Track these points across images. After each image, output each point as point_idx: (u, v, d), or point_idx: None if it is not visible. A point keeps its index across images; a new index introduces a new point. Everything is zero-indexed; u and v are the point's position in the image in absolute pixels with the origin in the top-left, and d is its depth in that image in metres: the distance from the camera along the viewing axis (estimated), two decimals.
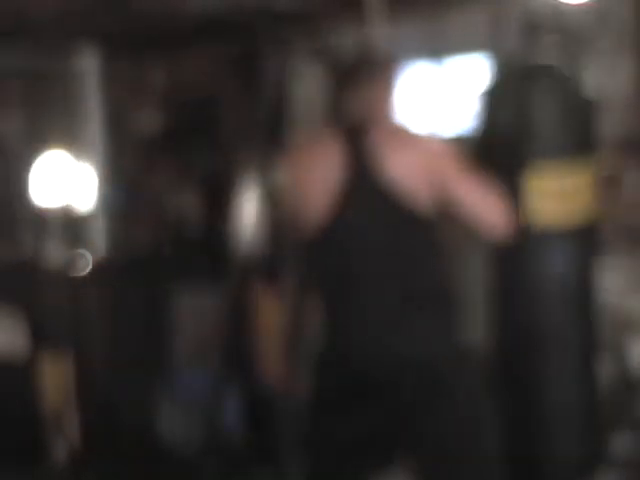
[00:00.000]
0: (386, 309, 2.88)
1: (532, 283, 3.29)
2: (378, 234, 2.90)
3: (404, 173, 2.87)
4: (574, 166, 3.25)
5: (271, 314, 3.22)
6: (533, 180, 3.22)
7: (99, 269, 5.11)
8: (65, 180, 5.38)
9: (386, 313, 2.89)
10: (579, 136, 3.28)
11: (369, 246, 2.91)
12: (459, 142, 5.12)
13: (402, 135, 2.99)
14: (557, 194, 3.21)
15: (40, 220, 5.38)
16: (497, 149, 3.32)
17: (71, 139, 5.54)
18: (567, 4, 4.13)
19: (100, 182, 5.70)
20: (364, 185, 2.90)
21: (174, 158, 6.08)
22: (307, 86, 5.32)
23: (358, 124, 2.98)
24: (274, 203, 3.46)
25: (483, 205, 2.97)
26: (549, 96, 3.27)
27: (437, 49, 5.08)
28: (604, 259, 3.63)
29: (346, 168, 2.92)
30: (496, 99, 3.39)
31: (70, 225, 5.45)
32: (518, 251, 3.24)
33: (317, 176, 2.96)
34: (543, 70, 3.36)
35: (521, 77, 3.34)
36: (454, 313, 2.96)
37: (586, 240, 3.33)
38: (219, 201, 5.44)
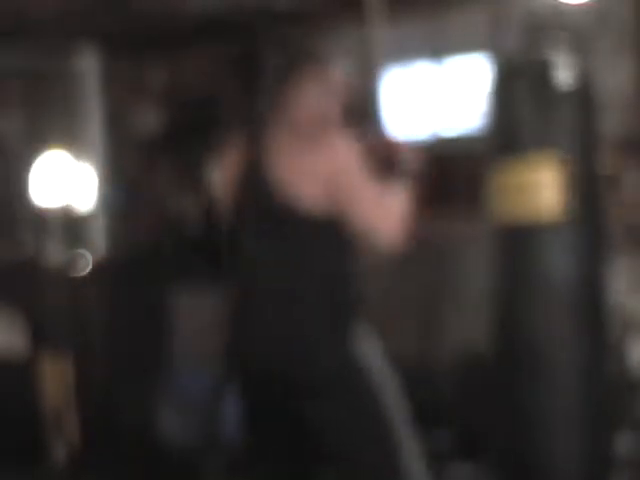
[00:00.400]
0: (274, 310, 2.89)
1: (527, 281, 3.27)
2: (265, 236, 2.90)
3: (296, 177, 2.84)
4: (549, 160, 3.24)
5: None
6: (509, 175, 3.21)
7: (99, 269, 5.11)
8: (65, 180, 5.38)
9: (275, 314, 2.90)
10: (563, 131, 3.26)
11: (259, 246, 2.91)
12: (458, 141, 5.13)
13: (305, 138, 2.91)
14: (527, 188, 3.20)
15: (40, 220, 5.38)
16: (501, 147, 3.30)
17: (71, 139, 5.54)
18: (567, 4, 4.13)
19: (100, 182, 5.70)
20: (254, 186, 2.90)
21: (174, 158, 6.08)
22: None
23: (265, 126, 2.97)
24: None
25: (375, 216, 2.86)
26: (528, 91, 3.27)
27: (437, 49, 5.08)
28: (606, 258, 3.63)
29: (243, 168, 2.94)
30: (496, 99, 3.39)
31: (70, 225, 5.45)
32: (516, 248, 3.23)
33: (224, 178, 3.00)
34: (526, 66, 3.35)
35: (510, 74, 3.34)
36: (350, 319, 2.91)
37: (583, 236, 3.31)
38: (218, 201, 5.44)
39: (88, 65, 5.67)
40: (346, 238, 2.88)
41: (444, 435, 4.68)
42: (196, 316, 5.13)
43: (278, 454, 2.97)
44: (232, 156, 3.01)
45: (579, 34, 3.81)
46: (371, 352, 2.91)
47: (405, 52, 5.12)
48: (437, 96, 5.19)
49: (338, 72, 3.07)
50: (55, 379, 4.71)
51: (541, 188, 3.22)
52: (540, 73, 3.30)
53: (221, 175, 3.07)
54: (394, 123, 4.99)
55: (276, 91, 3.01)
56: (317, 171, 2.83)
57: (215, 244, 5.36)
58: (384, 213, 2.86)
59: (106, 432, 4.75)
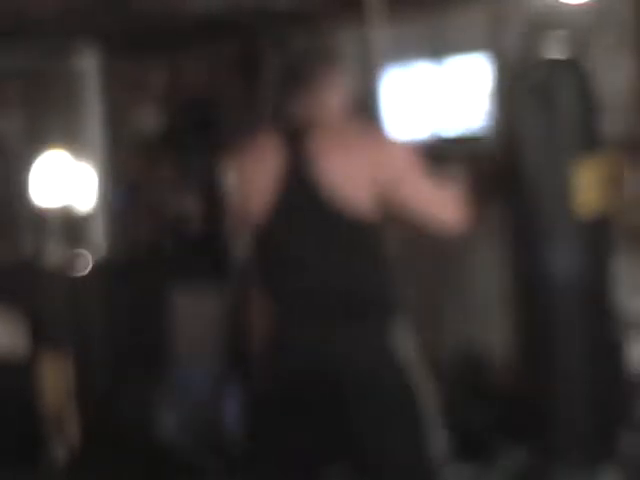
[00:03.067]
0: (320, 312, 2.89)
1: (547, 279, 3.26)
2: (311, 238, 2.89)
3: (343, 177, 2.83)
4: (584, 161, 3.23)
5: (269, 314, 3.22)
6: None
7: (99, 269, 5.11)
8: (65, 180, 5.38)
9: (320, 316, 2.89)
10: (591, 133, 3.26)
11: (303, 250, 2.90)
12: (458, 142, 5.13)
13: (348, 138, 2.92)
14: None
15: (40, 220, 5.37)
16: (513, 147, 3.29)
17: (71, 139, 5.54)
18: (567, 4, 4.13)
19: (100, 182, 5.70)
20: (299, 189, 2.88)
21: (174, 158, 6.07)
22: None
23: (300, 126, 2.95)
24: None
25: (434, 204, 2.93)
26: (571, 92, 3.26)
27: (437, 49, 5.07)
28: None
29: (283, 171, 2.90)
30: (505, 98, 3.38)
31: (70, 225, 5.45)
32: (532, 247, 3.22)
33: (256, 179, 2.95)
34: (531, 67, 3.35)
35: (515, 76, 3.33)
36: (389, 318, 2.92)
37: (599, 236, 3.31)
38: (219, 201, 5.44)
39: (88, 65, 5.65)
40: (386, 239, 2.91)
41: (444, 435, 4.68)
42: (196, 316, 5.13)
43: (287, 455, 2.96)
44: (263, 156, 2.97)
45: (579, 34, 3.81)
46: (407, 347, 2.92)
47: (405, 52, 5.12)
48: (437, 96, 5.19)
49: (346, 69, 3.10)
50: (55, 379, 4.71)
51: (614, 183, 3.20)
52: (544, 74, 3.29)
53: (246, 176, 3.03)
54: (394, 123, 4.99)
55: (297, 92, 3.02)
56: (361, 173, 2.84)
57: (215, 244, 5.37)
58: (445, 200, 2.94)
59: (106, 432, 4.75)
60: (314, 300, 2.89)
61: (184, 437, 4.87)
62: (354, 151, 2.87)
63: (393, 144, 2.95)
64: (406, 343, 2.94)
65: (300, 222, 2.90)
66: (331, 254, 2.88)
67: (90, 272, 5.04)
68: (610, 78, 4.23)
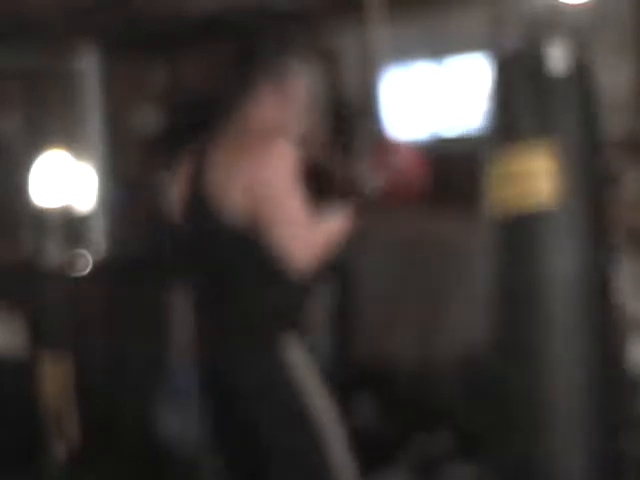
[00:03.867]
0: (215, 327, 2.93)
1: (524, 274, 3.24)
2: (207, 251, 2.92)
3: (224, 188, 2.81)
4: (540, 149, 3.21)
5: None
6: (502, 165, 3.18)
7: (99, 269, 5.11)
8: (65, 180, 5.38)
9: (216, 331, 2.94)
10: (549, 119, 3.23)
11: (203, 263, 2.94)
12: (458, 142, 5.13)
13: (240, 152, 2.85)
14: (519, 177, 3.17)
15: (40, 220, 5.38)
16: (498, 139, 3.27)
17: (71, 139, 5.54)
18: (567, 4, 4.13)
19: (100, 182, 5.70)
20: (195, 202, 2.93)
21: (174, 158, 6.07)
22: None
23: (213, 138, 3.00)
24: None
25: (289, 238, 2.76)
26: (520, 79, 3.25)
27: (437, 49, 5.08)
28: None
29: (187, 184, 2.98)
30: (494, 91, 3.37)
31: (70, 225, 5.45)
32: (511, 240, 3.20)
33: (178, 192, 3.07)
34: (523, 57, 3.33)
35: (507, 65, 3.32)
36: (282, 333, 2.86)
37: (582, 227, 3.28)
38: None
39: (88, 65, 5.67)
40: (269, 252, 2.81)
41: (444, 435, 4.69)
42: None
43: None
44: (183, 170, 3.06)
45: (579, 34, 3.81)
46: (301, 360, 2.88)
47: (405, 52, 5.12)
48: (437, 96, 5.19)
49: (300, 83, 3.05)
50: (55, 379, 4.71)
51: (538, 177, 3.19)
52: (538, 63, 3.28)
53: (175, 189, 3.09)
54: (394, 123, 4.99)
55: (234, 102, 3.03)
56: (240, 180, 2.79)
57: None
58: (300, 238, 2.77)
59: (106, 432, 4.75)
60: (211, 314, 2.92)
61: (184, 437, 4.87)
62: (236, 165, 2.82)
63: (274, 160, 2.78)
64: (300, 357, 2.89)
65: (198, 234, 2.95)
66: (221, 268, 2.87)
67: (90, 272, 5.04)
68: (610, 78, 4.23)
